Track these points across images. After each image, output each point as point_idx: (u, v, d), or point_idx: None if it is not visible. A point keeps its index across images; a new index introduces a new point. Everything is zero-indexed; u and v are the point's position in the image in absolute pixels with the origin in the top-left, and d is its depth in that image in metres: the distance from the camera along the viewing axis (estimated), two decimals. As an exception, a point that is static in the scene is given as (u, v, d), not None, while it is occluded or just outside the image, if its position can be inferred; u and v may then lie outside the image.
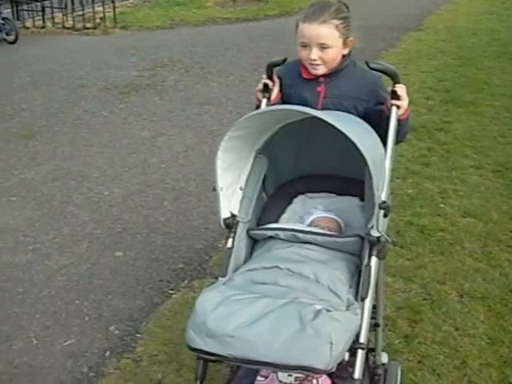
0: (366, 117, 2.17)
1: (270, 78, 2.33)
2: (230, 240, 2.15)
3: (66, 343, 3.13)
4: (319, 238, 2.13)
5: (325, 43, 2.18)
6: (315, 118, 1.88)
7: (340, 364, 1.75)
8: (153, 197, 4.71)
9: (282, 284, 1.95)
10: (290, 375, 1.99)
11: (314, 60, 2.20)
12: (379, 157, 1.99)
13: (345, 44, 2.23)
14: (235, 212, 2.17)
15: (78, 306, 3.41)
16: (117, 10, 11.77)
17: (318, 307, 1.77)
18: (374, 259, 1.96)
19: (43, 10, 11.69)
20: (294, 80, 2.33)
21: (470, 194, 4.47)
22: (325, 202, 2.41)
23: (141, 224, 4.29)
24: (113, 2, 11.52)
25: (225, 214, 2.14)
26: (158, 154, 5.50)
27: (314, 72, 2.26)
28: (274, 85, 2.33)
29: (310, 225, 2.29)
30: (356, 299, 1.92)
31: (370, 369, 2.36)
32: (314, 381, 1.99)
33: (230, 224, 2.15)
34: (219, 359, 1.80)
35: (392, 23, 10.68)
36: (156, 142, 5.81)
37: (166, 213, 4.45)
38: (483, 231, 3.97)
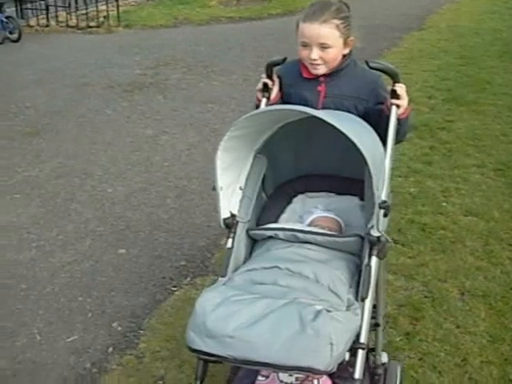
0: (366, 116, 2.17)
1: (269, 77, 2.32)
2: (230, 240, 2.15)
3: (69, 339, 3.15)
4: (319, 238, 2.12)
5: (325, 43, 2.18)
6: (314, 117, 1.88)
7: (340, 364, 1.75)
8: (156, 194, 4.73)
9: (281, 284, 1.94)
10: (290, 375, 1.98)
11: (315, 60, 2.20)
12: (379, 156, 1.99)
13: (345, 44, 2.23)
14: (235, 212, 2.17)
15: (81, 302, 3.43)
16: (120, 9, 11.81)
17: (318, 308, 1.77)
18: (374, 259, 1.96)
19: (47, 9, 11.72)
20: (294, 79, 2.32)
21: (472, 193, 4.48)
22: (324, 201, 2.40)
23: (144, 221, 4.32)
24: (116, 0, 11.55)
25: (224, 213, 2.14)
26: (161, 152, 5.52)
27: (315, 72, 2.26)
28: (273, 84, 2.32)
29: (309, 224, 2.29)
30: (356, 299, 1.92)
31: (370, 368, 2.35)
32: (315, 381, 1.99)
33: (230, 224, 2.15)
34: (219, 360, 1.79)
35: (393, 23, 10.66)
36: (159, 140, 5.83)
37: (168, 210, 4.46)
38: (485, 229, 3.98)
